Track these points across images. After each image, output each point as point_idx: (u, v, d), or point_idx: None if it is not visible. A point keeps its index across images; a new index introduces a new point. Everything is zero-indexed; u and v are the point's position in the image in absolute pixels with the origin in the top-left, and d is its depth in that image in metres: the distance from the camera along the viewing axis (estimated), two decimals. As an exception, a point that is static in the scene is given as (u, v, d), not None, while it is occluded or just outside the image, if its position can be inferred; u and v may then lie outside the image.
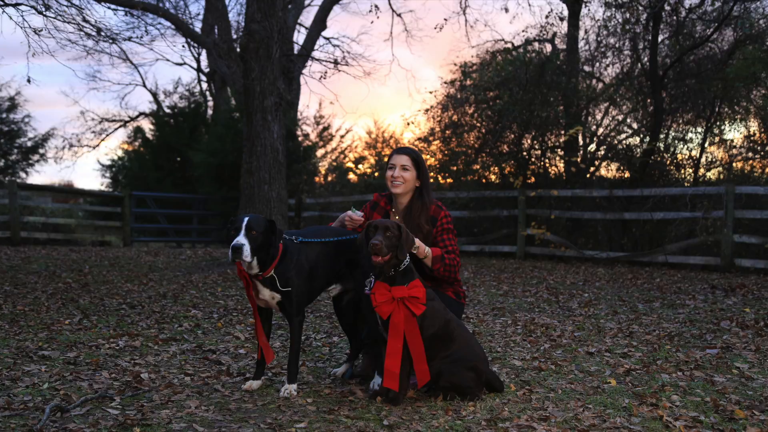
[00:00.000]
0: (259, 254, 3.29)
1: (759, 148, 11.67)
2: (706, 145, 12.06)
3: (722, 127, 12.18)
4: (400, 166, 3.70)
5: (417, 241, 3.45)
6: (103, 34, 9.42)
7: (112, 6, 10.25)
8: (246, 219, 3.26)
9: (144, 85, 25.21)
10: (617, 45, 12.82)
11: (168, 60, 26.46)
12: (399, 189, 3.71)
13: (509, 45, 13.85)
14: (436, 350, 3.27)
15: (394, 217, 3.79)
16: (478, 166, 13.40)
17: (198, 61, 22.95)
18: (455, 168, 13.57)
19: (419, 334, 3.20)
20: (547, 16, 13.17)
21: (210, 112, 20.89)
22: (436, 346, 3.27)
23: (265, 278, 3.36)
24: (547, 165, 13.09)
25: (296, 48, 14.25)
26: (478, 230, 12.74)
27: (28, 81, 8.28)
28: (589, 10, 16.96)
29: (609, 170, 12.96)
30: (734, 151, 11.96)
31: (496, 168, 13.31)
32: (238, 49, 10.01)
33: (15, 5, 7.67)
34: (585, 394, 3.40)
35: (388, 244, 3.20)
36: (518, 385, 3.57)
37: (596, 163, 12.78)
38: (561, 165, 12.98)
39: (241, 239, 3.22)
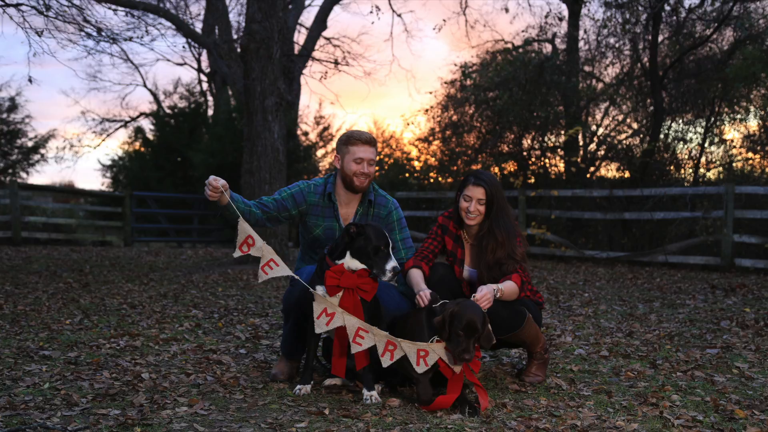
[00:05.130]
0: None
1: (759, 147, 11.68)
2: (706, 144, 12.07)
3: (722, 127, 12.20)
4: (476, 200, 3.52)
5: (497, 288, 3.37)
6: (103, 34, 9.44)
7: (113, 6, 10.25)
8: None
9: (144, 85, 25.28)
10: (617, 45, 12.84)
11: (168, 60, 26.50)
12: (473, 221, 3.57)
13: (509, 45, 13.86)
14: None
15: (467, 242, 3.68)
16: (478, 166, 13.41)
17: (198, 61, 22.98)
18: (455, 168, 13.58)
19: None
20: (546, 16, 13.19)
21: (210, 112, 20.91)
22: None
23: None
24: (547, 165, 13.09)
25: (297, 48, 14.25)
26: (479, 230, 12.74)
27: (30, 81, 8.30)
28: (588, 10, 16.95)
29: (609, 170, 12.99)
30: (734, 150, 11.97)
31: (496, 168, 13.32)
32: (239, 50, 10.01)
33: (16, 5, 7.68)
34: (585, 393, 3.40)
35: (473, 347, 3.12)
36: (518, 385, 3.58)
37: (596, 163, 12.79)
38: (561, 165, 12.99)
39: (396, 263, 3.31)
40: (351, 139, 3.64)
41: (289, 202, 3.70)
